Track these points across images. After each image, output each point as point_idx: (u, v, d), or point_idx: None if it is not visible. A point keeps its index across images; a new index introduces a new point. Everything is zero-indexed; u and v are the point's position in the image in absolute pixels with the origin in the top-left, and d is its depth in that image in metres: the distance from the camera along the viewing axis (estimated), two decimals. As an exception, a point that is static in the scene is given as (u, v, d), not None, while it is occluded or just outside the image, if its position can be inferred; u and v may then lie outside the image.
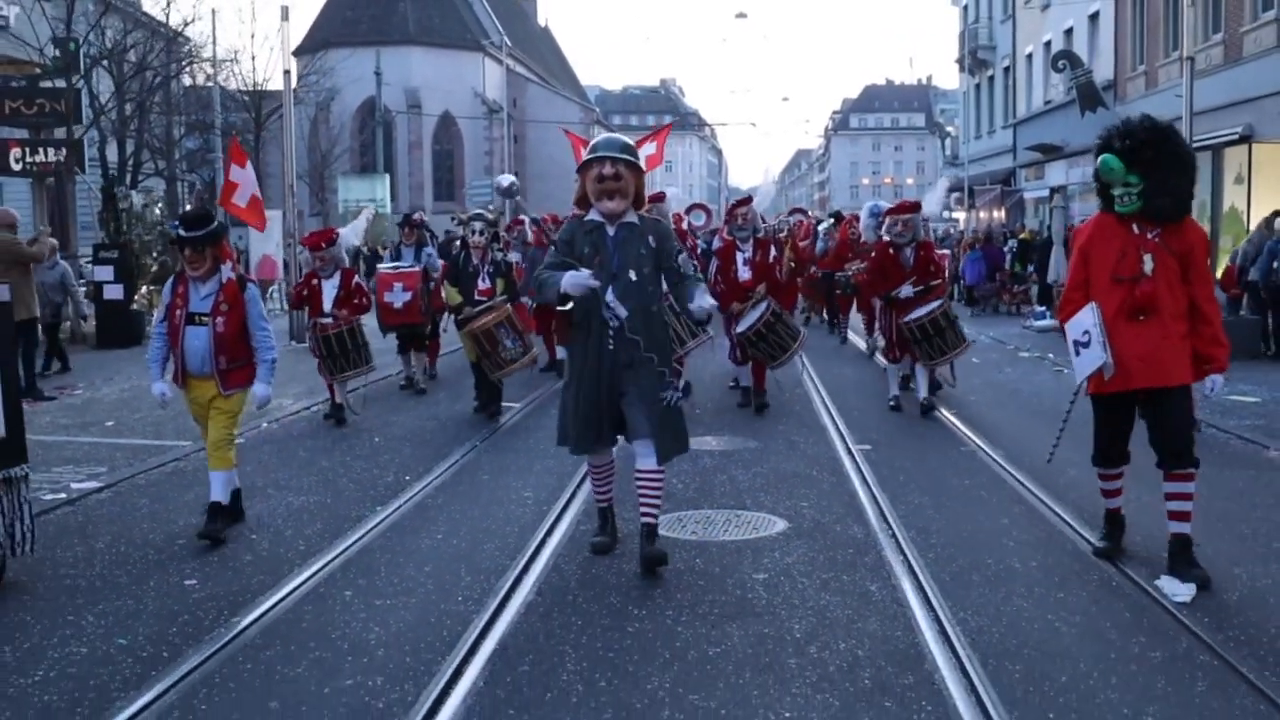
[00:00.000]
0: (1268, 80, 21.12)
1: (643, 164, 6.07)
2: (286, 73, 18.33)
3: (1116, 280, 5.65)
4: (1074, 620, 5.12)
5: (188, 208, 26.86)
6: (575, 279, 5.64)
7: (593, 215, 5.93)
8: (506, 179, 5.89)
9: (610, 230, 5.87)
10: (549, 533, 6.65)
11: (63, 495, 7.81)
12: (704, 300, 5.81)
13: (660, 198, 10.74)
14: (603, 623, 5.11)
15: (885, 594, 5.51)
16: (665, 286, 6.11)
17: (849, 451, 9.00)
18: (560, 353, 13.30)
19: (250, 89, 36.62)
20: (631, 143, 6.25)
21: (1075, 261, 6.00)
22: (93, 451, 9.50)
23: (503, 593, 5.54)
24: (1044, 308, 21.42)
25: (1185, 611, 5.18)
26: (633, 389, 5.84)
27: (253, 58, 43.33)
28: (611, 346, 5.80)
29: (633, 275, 5.81)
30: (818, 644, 4.85)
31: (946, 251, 15.29)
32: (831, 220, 19.70)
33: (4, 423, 5.77)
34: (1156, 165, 5.54)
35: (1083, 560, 6.05)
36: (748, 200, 11.78)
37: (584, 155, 5.98)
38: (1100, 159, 5.61)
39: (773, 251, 11.26)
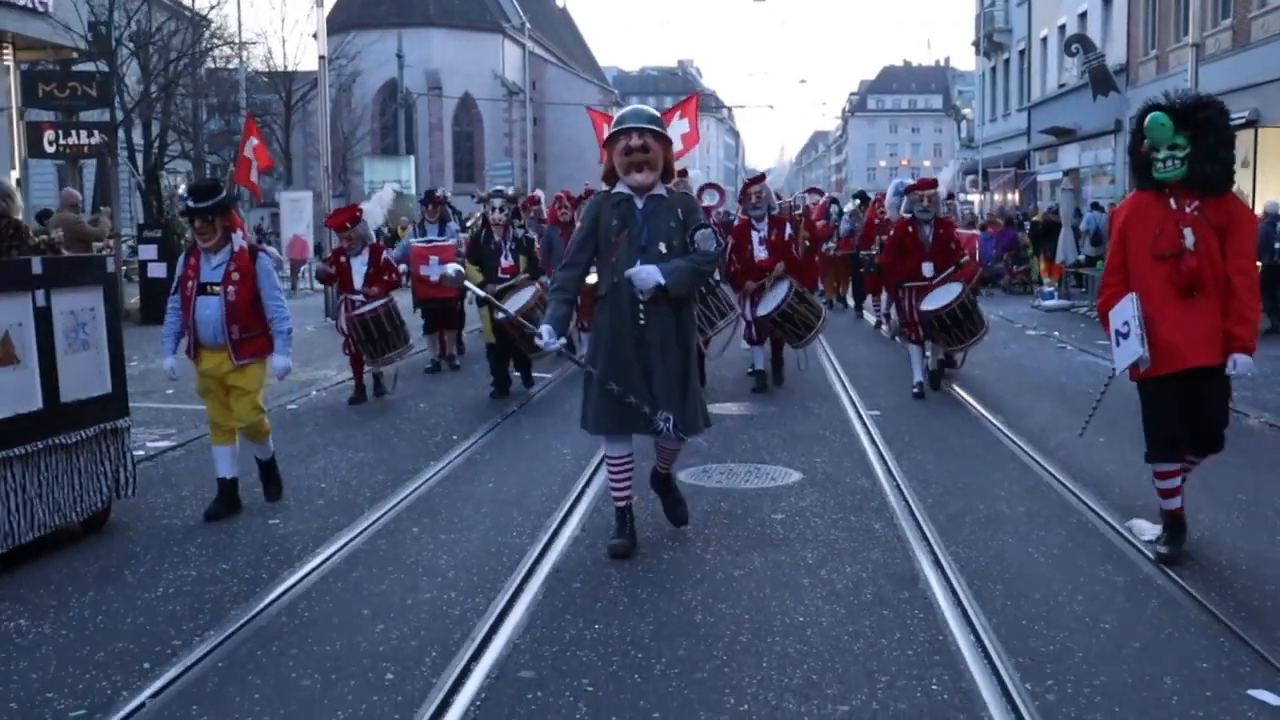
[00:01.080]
0: (1275, 65, 21.69)
1: (677, 141, 6.14)
2: (322, 58, 19.03)
3: (1157, 257, 5.49)
4: (1051, 553, 5.87)
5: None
6: (544, 344, 5.69)
7: (620, 188, 5.80)
8: (452, 268, 6.28)
9: (639, 203, 5.74)
10: (588, 483, 7.41)
11: (141, 452, 8.53)
12: (641, 278, 5.61)
13: (683, 174, 11.04)
14: (642, 552, 5.87)
15: (887, 531, 6.27)
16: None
17: (859, 416, 9.74)
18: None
19: (274, 70, 37.35)
20: (658, 114, 6.04)
21: (1113, 243, 5.83)
22: (158, 415, 10.25)
23: (552, 529, 6.33)
24: (1052, 288, 22.03)
25: (1150, 547, 5.90)
26: (659, 368, 5.73)
27: (283, 41, 43.96)
28: (642, 322, 5.70)
29: (662, 248, 5.68)
30: (827, 568, 5.61)
31: (976, 232, 15.40)
32: (857, 201, 19.82)
33: (110, 380, 6.55)
34: (1206, 130, 5.42)
35: (1065, 507, 6.78)
36: (760, 178, 11.80)
37: (610, 128, 5.87)
38: (1149, 117, 5.43)
39: (788, 229, 11.31)
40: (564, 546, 6.03)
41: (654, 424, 5.71)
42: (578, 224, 12.45)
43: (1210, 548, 5.91)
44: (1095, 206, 25.33)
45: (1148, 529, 6.13)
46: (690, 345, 5.90)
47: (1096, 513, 6.59)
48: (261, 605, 5.14)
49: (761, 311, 10.96)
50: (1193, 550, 5.81)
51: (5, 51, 20.59)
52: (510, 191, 12.19)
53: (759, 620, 4.92)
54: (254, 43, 35.53)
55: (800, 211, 16.36)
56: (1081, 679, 4.28)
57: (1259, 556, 5.71)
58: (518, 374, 11.46)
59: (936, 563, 5.65)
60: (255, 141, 17.00)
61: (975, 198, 41.25)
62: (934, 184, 11.22)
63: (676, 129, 13.38)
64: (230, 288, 6.59)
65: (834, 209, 20.84)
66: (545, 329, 5.68)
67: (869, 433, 8.99)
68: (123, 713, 4.05)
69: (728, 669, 4.40)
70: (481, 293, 7.77)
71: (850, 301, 20.44)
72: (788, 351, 11.73)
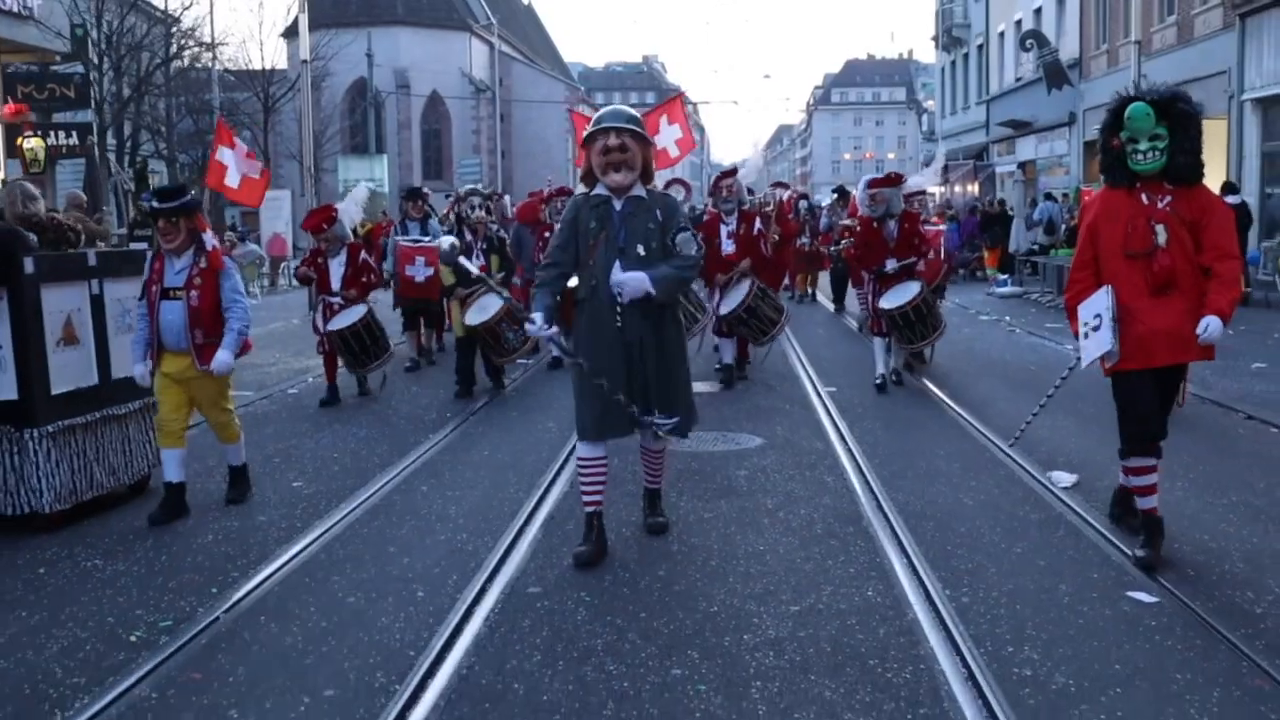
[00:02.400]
0: (1215, 60, 22.89)
1: (672, 147, 5.97)
2: (305, 62, 19.76)
3: (1129, 256, 5.40)
4: (979, 497, 6.81)
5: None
6: (535, 331, 5.56)
7: (599, 189, 5.73)
8: (447, 241, 6.26)
9: (617, 204, 5.66)
10: (572, 450, 8.24)
11: (161, 431, 9.38)
12: (631, 287, 5.54)
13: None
14: (623, 503, 6.73)
15: (838, 483, 7.21)
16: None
17: (817, 392, 10.68)
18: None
19: (250, 70, 37.99)
20: (637, 114, 5.95)
21: (1083, 239, 5.74)
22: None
23: (544, 485, 7.24)
24: (1006, 275, 23.07)
25: (1066, 494, 6.82)
26: (643, 369, 5.68)
27: (260, 44, 44.54)
28: (619, 324, 5.63)
29: (640, 250, 5.59)
30: (784, 511, 6.55)
31: (942, 228, 15.60)
32: (835, 195, 19.88)
33: (151, 360, 7.38)
34: (1186, 121, 5.36)
35: (995, 463, 7.73)
36: (732, 172, 11.72)
37: (588, 128, 5.79)
38: (1132, 108, 5.32)
39: (757, 225, 11.29)
40: (556, 499, 6.93)
41: (642, 423, 5.70)
42: (548, 222, 13.23)
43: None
44: (1049, 197, 26.41)
45: (1065, 478, 7.07)
46: (677, 344, 5.85)
47: (1023, 467, 7.52)
48: (302, 545, 6.01)
49: (724, 310, 11.00)
50: (1104, 494, 6.62)
51: (-10, 56, 21.25)
52: (486, 190, 12.60)
53: (725, 549, 5.84)
54: (224, 44, 36.18)
55: (772, 207, 16.50)
56: (991, 587, 5.21)
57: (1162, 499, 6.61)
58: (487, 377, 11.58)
59: (878, 506, 6.59)
60: (232, 152, 16.66)
61: (935, 189, 42.28)
62: (885, 181, 10.99)
63: (668, 134, 13.65)
64: (193, 292, 6.54)
65: (802, 205, 21.18)
66: (536, 315, 5.54)
67: (825, 406, 9.92)
68: (204, 623, 4.91)
69: (700, 583, 5.32)
70: (474, 269, 6.89)
71: (819, 296, 21.16)
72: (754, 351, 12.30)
